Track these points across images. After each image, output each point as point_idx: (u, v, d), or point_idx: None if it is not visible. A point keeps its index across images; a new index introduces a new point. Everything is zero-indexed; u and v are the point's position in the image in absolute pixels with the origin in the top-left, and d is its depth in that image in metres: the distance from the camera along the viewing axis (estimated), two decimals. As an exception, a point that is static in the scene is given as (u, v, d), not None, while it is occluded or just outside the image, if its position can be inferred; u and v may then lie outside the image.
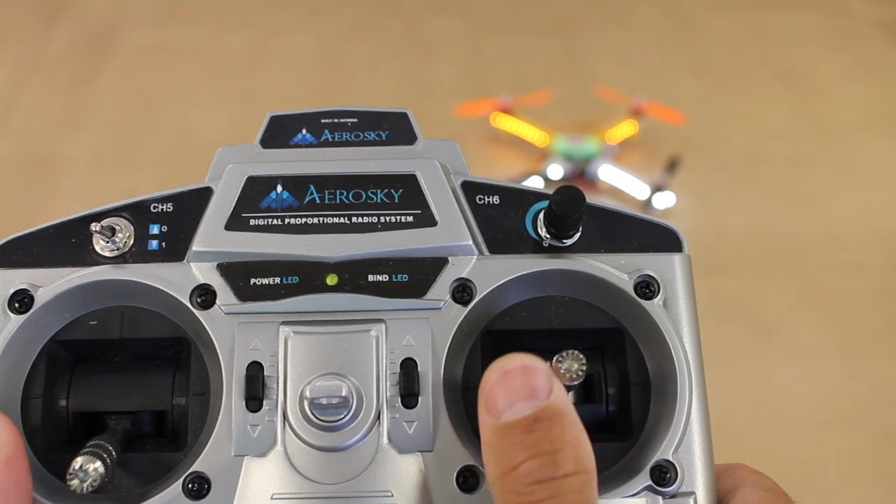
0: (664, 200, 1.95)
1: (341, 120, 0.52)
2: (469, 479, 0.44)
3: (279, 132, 0.51)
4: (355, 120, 0.52)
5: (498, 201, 0.49)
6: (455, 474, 0.44)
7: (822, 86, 2.33)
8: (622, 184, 2.00)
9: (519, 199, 0.49)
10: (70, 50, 2.43)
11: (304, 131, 0.51)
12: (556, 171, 2.01)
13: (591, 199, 0.48)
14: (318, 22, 2.52)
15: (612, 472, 0.45)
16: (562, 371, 0.42)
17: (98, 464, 0.41)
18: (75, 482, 0.41)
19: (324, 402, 0.43)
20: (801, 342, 1.75)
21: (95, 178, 2.07)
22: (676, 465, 0.44)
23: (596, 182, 2.02)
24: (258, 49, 2.44)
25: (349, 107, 0.52)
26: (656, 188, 1.95)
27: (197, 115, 2.23)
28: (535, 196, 0.49)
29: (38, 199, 2.02)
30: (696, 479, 0.45)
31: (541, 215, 0.48)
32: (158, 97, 2.29)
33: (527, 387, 0.39)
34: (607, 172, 2.01)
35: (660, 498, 0.44)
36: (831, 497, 1.52)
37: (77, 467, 0.41)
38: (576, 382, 0.43)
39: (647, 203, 1.95)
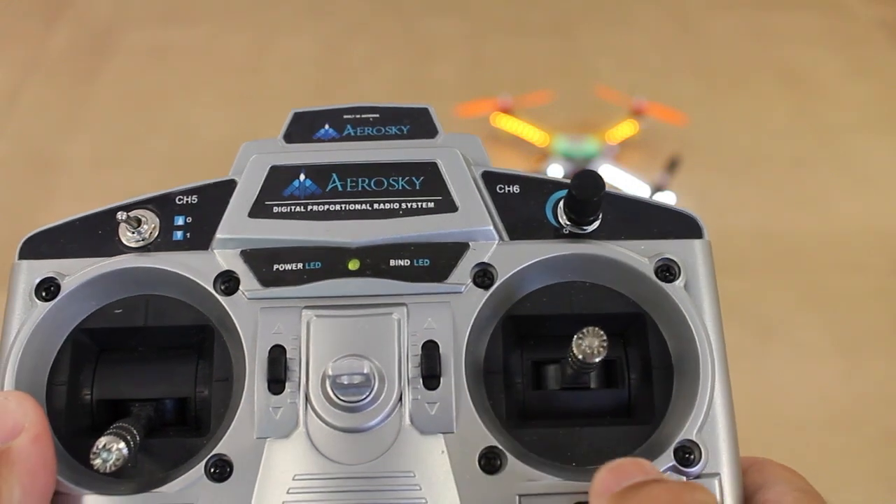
0: (664, 200, 1.95)
1: (363, 115, 0.52)
2: (491, 461, 0.44)
3: (302, 127, 0.52)
4: (377, 115, 0.52)
5: (518, 190, 0.50)
6: (477, 455, 0.44)
7: (822, 86, 2.33)
8: (622, 184, 2.00)
9: (539, 187, 0.50)
10: (70, 50, 2.43)
11: (326, 126, 0.52)
12: (557, 171, 2.01)
13: (611, 188, 0.48)
14: (318, 22, 2.52)
15: (636, 455, 0.45)
16: (583, 347, 0.43)
17: (122, 444, 0.42)
18: (98, 461, 0.42)
19: (345, 381, 0.44)
20: (801, 342, 1.75)
21: (95, 178, 2.07)
22: (700, 446, 0.44)
23: (596, 182, 2.02)
24: (258, 49, 2.44)
25: (371, 103, 0.53)
26: (656, 188, 1.95)
27: (197, 115, 2.23)
28: (555, 185, 0.50)
29: (38, 199, 2.01)
30: (721, 460, 0.45)
31: (561, 203, 0.49)
32: (158, 97, 2.28)
33: (636, 467, 0.39)
34: (607, 172, 2.01)
35: (684, 478, 0.44)
36: (831, 497, 1.52)
37: (101, 446, 0.42)
38: (597, 359, 0.43)
39: (648, 203, 1.95)
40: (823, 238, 1.94)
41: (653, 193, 1.94)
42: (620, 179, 2.00)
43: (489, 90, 2.18)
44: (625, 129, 2.10)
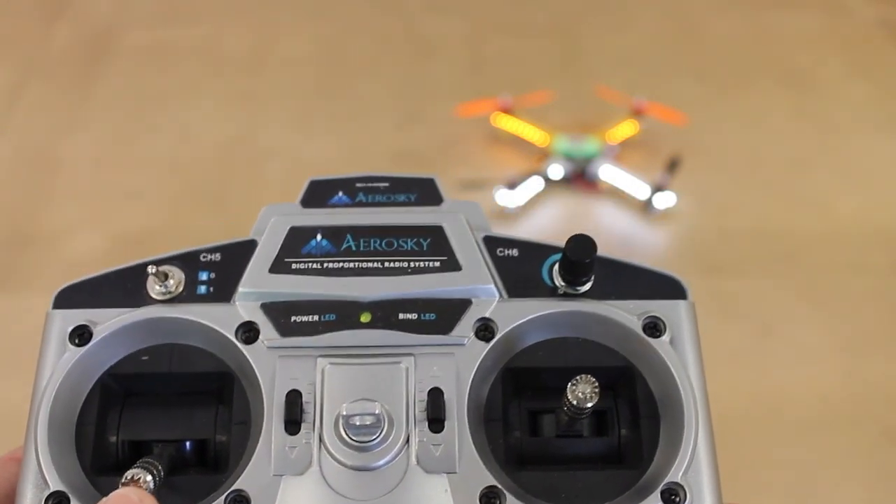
0: (664, 200, 1.95)
1: (374, 184, 0.58)
2: (492, 499, 0.47)
3: (318, 194, 0.57)
4: (387, 184, 0.58)
5: (517, 254, 0.55)
6: (478, 494, 0.47)
7: (823, 86, 2.33)
8: (622, 184, 2.00)
9: (536, 251, 0.55)
10: (70, 50, 2.43)
11: (340, 193, 0.57)
12: (557, 171, 2.01)
13: (602, 252, 0.53)
14: (318, 22, 2.52)
15: (625, 497, 0.48)
16: (577, 393, 0.47)
17: (148, 477, 0.45)
18: None
19: (357, 422, 0.47)
20: (801, 342, 1.75)
21: (95, 178, 2.07)
22: (685, 487, 0.48)
23: (596, 182, 2.02)
24: (258, 49, 2.44)
25: (381, 173, 0.58)
26: (657, 188, 1.95)
27: (197, 115, 2.23)
28: (551, 249, 0.55)
29: (38, 199, 2.01)
30: (705, 502, 0.48)
31: (556, 266, 0.53)
32: (158, 97, 2.28)
33: None
34: (608, 172, 2.01)
35: None
36: (831, 497, 1.52)
37: (129, 478, 0.45)
38: (590, 404, 0.47)
39: (648, 203, 1.95)
40: (823, 238, 1.94)
41: (653, 193, 1.95)
42: (621, 179, 2.00)
43: (489, 90, 2.18)
44: (625, 129, 2.10)
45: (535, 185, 1.99)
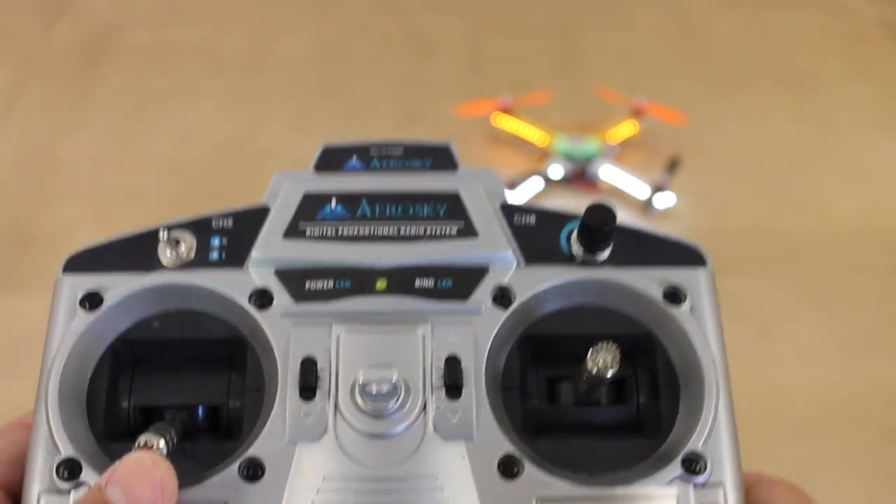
0: (664, 200, 1.95)
1: (389, 150, 0.56)
2: (509, 467, 0.47)
3: (331, 160, 0.56)
4: (401, 150, 0.56)
5: (534, 221, 0.53)
6: (496, 462, 0.47)
7: (822, 86, 2.33)
8: (623, 184, 2.00)
9: (553, 219, 0.54)
10: (70, 50, 2.43)
11: (354, 158, 0.56)
12: (557, 171, 2.01)
13: (621, 221, 0.52)
14: (318, 22, 2.52)
15: (644, 465, 0.48)
16: (597, 361, 0.46)
17: (162, 442, 0.45)
18: None
19: (374, 389, 0.47)
20: (801, 342, 1.75)
21: (95, 178, 2.07)
22: (705, 456, 0.47)
23: (596, 182, 2.02)
24: (258, 49, 2.44)
25: (395, 140, 0.57)
26: (657, 188, 1.95)
27: (197, 115, 2.23)
28: (569, 217, 0.53)
29: (38, 199, 2.01)
30: (725, 470, 0.47)
31: (574, 233, 0.52)
32: (158, 97, 2.28)
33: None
34: (608, 172, 2.01)
35: (690, 487, 0.47)
36: (831, 497, 1.52)
37: (142, 443, 0.45)
38: (610, 373, 0.46)
39: (648, 203, 1.95)
40: (823, 238, 1.94)
41: (653, 193, 1.95)
42: (621, 179, 2.00)
43: (489, 90, 2.18)
44: (625, 129, 2.10)
45: (535, 185, 1.99)
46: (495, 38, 2.47)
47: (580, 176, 2.02)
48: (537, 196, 1.99)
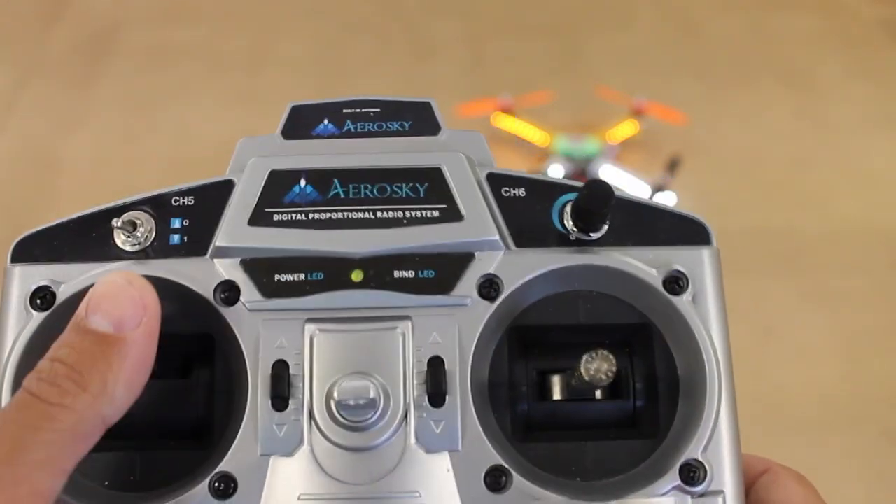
0: (665, 200, 1.95)
1: (363, 110, 0.50)
2: (497, 479, 0.44)
3: (301, 122, 0.50)
4: (377, 110, 0.50)
5: (524, 193, 0.48)
6: (483, 474, 0.44)
7: (823, 86, 2.33)
8: (623, 184, 2.00)
9: (545, 191, 0.48)
10: (70, 50, 2.43)
11: (326, 122, 0.50)
12: (557, 171, 2.01)
13: (619, 191, 0.47)
14: (318, 22, 2.52)
15: (640, 471, 0.45)
16: (591, 371, 0.43)
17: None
18: None
19: (351, 402, 0.43)
20: (802, 342, 1.75)
21: (96, 178, 2.07)
22: (705, 465, 0.44)
23: (596, 182, 2.02)
24: (258, 49, 2.44)
25: (371, 96, 0.50)
26: (657, 188, 1.95)
27: (197, 115, 2.23)
28: (562, 188, 0.48)
29: (38, 199, 2.02)
30: (725, 478, 0.45)
31: (567, 208, 0.47)
32: (158, 97, 2.28)
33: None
34: (608, 172, 2.01)
35: (689, 497, 0.44)
36: (831, 497, 1.52)
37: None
38: (604, 383, 0.43)
39: (648, 203, 1.95)
40: (824, 237, 1.94)
41: (653, 193, 1.94)
42: (621, 179, 2.00)
43: (489, 90, 2.18)
44: (625, 129, 2.10)
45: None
46: (495, 38, 2.47)
47: (580, 176, 2.02)
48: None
